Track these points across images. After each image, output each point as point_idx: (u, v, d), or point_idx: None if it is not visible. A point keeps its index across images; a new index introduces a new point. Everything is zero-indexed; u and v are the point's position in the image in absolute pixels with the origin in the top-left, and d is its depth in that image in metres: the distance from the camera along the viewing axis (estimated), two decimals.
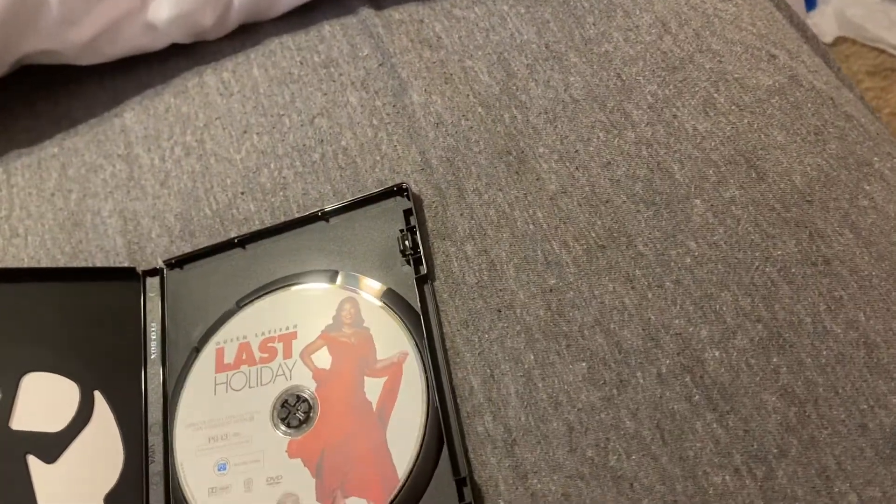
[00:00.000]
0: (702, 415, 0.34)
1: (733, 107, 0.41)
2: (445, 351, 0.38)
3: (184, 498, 0.38)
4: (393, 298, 0.39)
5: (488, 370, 0.38)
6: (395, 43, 0.48)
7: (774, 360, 0.35)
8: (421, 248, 0.40)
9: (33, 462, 0.37)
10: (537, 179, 0.41)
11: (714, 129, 0.41)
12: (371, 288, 0.40)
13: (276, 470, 0.37)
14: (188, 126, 0.50)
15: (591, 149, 0.42)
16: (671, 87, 0.42)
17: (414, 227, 0.40)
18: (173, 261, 0.44)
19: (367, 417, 0.37)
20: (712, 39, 0.44)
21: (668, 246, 0.38)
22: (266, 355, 0.40)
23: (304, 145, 0.47)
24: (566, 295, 0.38)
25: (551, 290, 0.38)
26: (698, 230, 0.38)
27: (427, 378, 0.37)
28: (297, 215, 0.44)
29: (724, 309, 0.36)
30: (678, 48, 0.44)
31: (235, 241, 0.43)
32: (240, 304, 0.42)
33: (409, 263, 0.40)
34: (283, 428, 0.38)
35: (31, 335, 0.40)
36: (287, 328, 0.41)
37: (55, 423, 0.39)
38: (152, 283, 0.44)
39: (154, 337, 0.43)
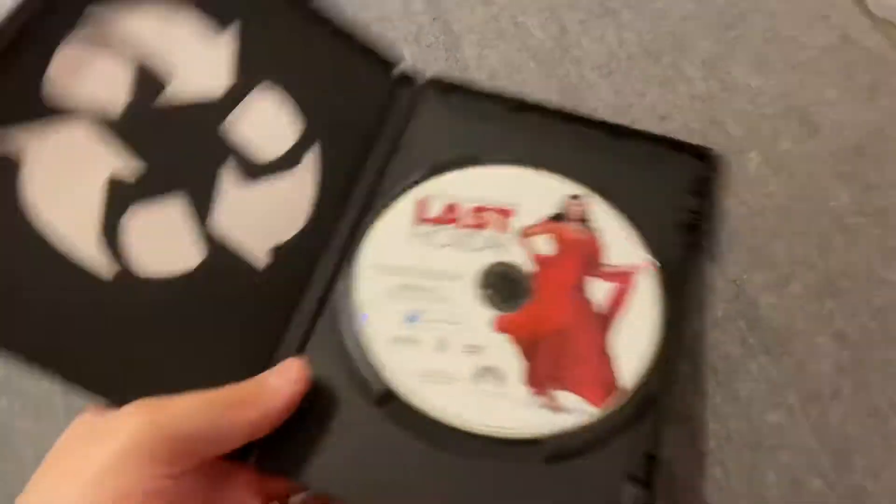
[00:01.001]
0: (756, 357, 0.36)
1: (786, 64, 0.42)
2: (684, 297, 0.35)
3: (358, 341, 0.34)
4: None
5: None
6: None
7: (828, 305, 0.36)
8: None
9: (228, 174, 0.34)
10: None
11: (767, 84, 0.41)
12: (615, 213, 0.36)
13: (477, 339, 0.34)
14: None
15: (646, 102, 0.42)
16: (725, 43, 0.43)
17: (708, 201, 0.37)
18: (442, 83, 0.41)
19: (589, 315, 0.34)
20: None
21: (724, 196, 0.39)
22: (477, 221, 0.37)
23: None
24: None
25: None
26: (753, 181, 0.39)
27: (661, 300, 0.34)
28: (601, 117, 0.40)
29: (778, 257, 0.37)
30: (732, 6, 0.44)
31: (514, 103, 0.40)
32: (475, 161, 0.38)
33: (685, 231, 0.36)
34: (489, 300, 0.35)
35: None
36: (506, 203, 0.37)
37: (264, 149, 0.35)
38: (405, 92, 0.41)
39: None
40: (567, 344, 0.33)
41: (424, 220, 0.36)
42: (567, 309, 0.34)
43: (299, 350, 0.34)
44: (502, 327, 0.34)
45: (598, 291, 0.34)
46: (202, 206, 0.33)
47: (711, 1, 0.45)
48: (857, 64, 0.42)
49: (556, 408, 0.32)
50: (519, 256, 0.35)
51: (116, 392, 0.28)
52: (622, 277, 0.34)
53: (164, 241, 0.32)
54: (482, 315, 0.34)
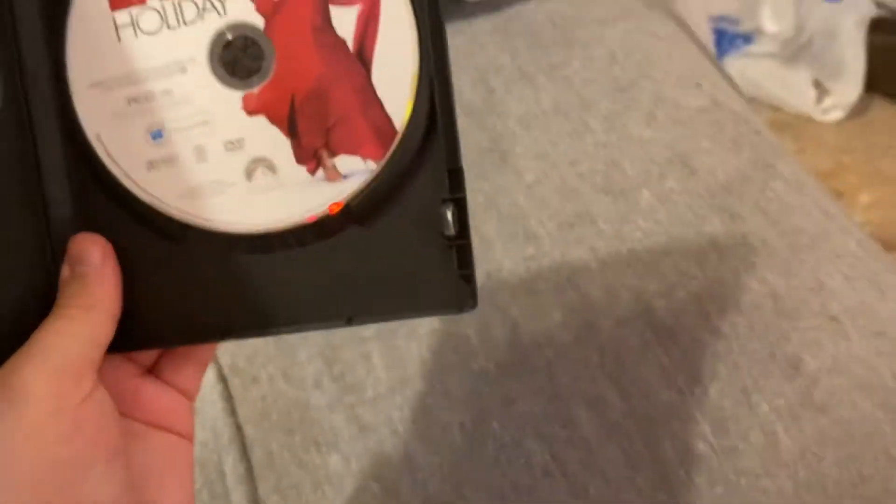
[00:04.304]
0: (652, 348, 0.44)
1: (670, 120, 0.52)
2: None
3: (111, 177, 0.29)
4: None
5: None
6: None
7: (706, 307, 0.45)
8: None
9: None
10: (517, 173, 0.51)
11: (655, 136, 0.51)
12: None
13: (233, 132, 0.29)
14: None
15: (560, 150, 0.52)
16: (621, 103, 0.53)
17: None
18: None
19: (342, 57, 0.29)
20: (651, 69, 0.55)
21: (623, 224, 0.48)
22: None
23: None
24: (542, 261, 0.48)
25: (530, 258, 0.48)
26: (646, 211, 0.48)
27: (415, 8, 0.28)
28: None
29: (667, 269, 0.46)
30: (625, 74, 0.54)
31: None
32: None
33: None
34: (230, 79, 0.29)
35: None
36: None
37: None
38: None
39: None
40: (327, 101, 0.29)
41: (121, 3, 0.29)
42: (314, 58, 0.29)
43: (76, 224, 0.29)
44: (253, 108, 0.29)
45: (344, 22, 0.29)
46: None
47: (607, 70, 0.55)
48: (725, 122, 0.52)
49: (337, 177, 0.29)
50: (244, 10, 0.29)
51: None
52: None
53: None
54: (229, 101, 0.29)
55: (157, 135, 0.29)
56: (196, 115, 0.29)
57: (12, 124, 0.29)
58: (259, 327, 0.30)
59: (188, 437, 0.30)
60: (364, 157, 0.29)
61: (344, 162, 0.29)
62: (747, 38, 1.32)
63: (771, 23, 1.27)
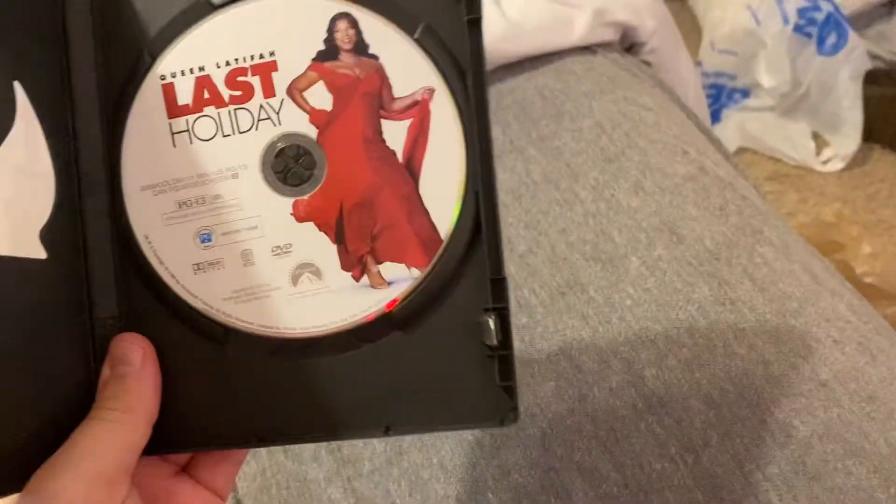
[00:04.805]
0: (644, 417, 0.44)
1: (657, 188, 0.53)
2: (486, 97, 0.29)
3: (158, 278, 0.30)
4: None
5: None
6: None
7: (696, 374, 0.45)
8: None
9: None
10: (508, 243, 0.52)
11: (643, 204, 0.53)
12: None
13: (281, 237, 0.30)
14: None
15: (550, 219, 0.53)
16: (609, 173, 0.54)
17: None
18: None
19: (391, 167, 0.30)
20: (639, 139, 0.56)
21: (613, 292, 0.49)
22: (238, 93, 0.30)
23: None
24: (535, 330, 0.48)
25: (524, 327, 0.49)
26: (635, 279, 0.49)
27: (462, 118, 0.29)
28: None
29: (657, 337, 0.47)
30: (613, 145, 0.56)
31: None
32: (207, 9, 0.30)
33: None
34: (281, 186, 0.30)
35: None
36: (261, 56, 0.30)
37: None
38: None
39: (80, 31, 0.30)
40: (374, 209, 0.30)
41: (179, 111, 0.30)
42: (364, 168, 0.30)
43: (120, 323, 0.30)
44: (303, 214, 0.30)
45: (395, 135, 0.30)
46: None
47: (596, 140, 0.56)
48: (711, 188, 0.53)
49: (381, 283, 0.30)
50: (298, 121, 0.30)
51: None
52: (416, 109, 0.30)
53: None
54: (279, 207, 0.30)
55: (205, 238, 0.30)
56: (245, 220, 0.30)
57: (65, 222, 0.29)
58: (296, 435, 0.30)
59: None
60: (409, 264, 0.30)
61: (388, 269, 0.30)
62: (745, 93, 1.35)
63: (767, 77, 1.29)
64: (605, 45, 0.63)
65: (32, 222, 0.27)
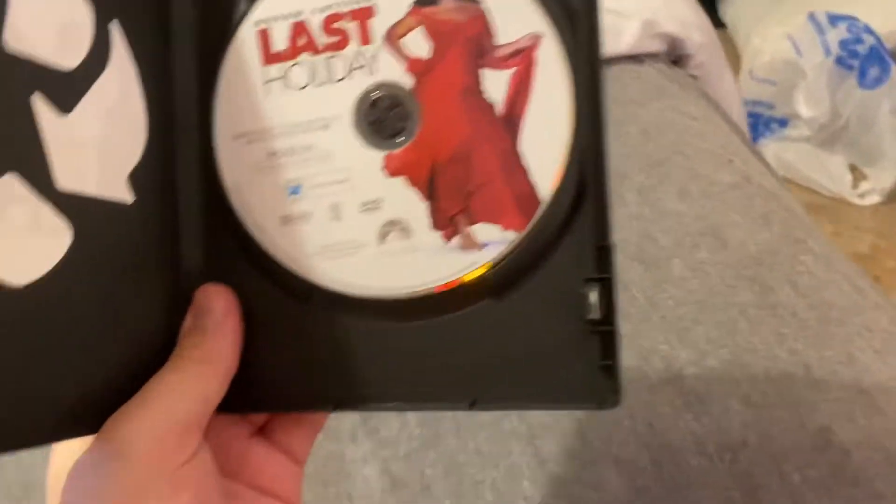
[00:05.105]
0: (682, 415, 0.45)
1: (702, 195, 0.54)
2: (600, 43, 0.27)
3: (244, 229, 0.29)
4: None
5: None
6: None
7: (736, 375, 0.45)
8: None
9: (42, 107, 0.24)
10: None
11: (688, 209, 0.53)
12: None
13: (371, 192, 0.29)
14: None
15: None
16: (654, 177, 0.55)
17: None
18: None
19: (489, 121, 0.28)
20: (684, 146, 0.57)
21: (656, 292, 0.49)
22: (334, 40, 0.29)
23: None
24: None
25: None
26: (678, 281, 0.50)
27: (573, 66, 0.27)
28: None
29: (698, 338, 0.47)
30: (659, 151, 0.57)
31: None
32: None
33: None
34: (374, 138, 0.29)
35: None
36: (359, 2, 0.29)
37: (64, 55, 0.25)
38: None
39: None
40: (469, 166, 0.28)
41: (273, 58, 0.29)
42: (460, 121, 0.28)
43: (204, 273, 0.29)
44: (395, 170, 0.28)
45: (496, 86, 0.28)
46: (37, 170, 0.24)
47: (643, 145, 0.57)
48: (755, 197, 0.54)
49: (473, 246, 0.28)
50: (394, 70, 0.29)
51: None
52: (520, 57, 0.28)
53: (20, 238, 0.23)
54: (371, 161, 0.29)
55: (295, 190, 0.29)
56: (336, 173, 0.29)
57: (154, 167, 0.28)
58: (376, 401, 0.29)
59: None
60: (504, 226, 0.28)
61: (482, 230, 0.28)
62: (783, 122, 1.35)
63: (806, 108, 1.29)
64: (652, 56, 0.64)
65: (122, 164, 0.27)
